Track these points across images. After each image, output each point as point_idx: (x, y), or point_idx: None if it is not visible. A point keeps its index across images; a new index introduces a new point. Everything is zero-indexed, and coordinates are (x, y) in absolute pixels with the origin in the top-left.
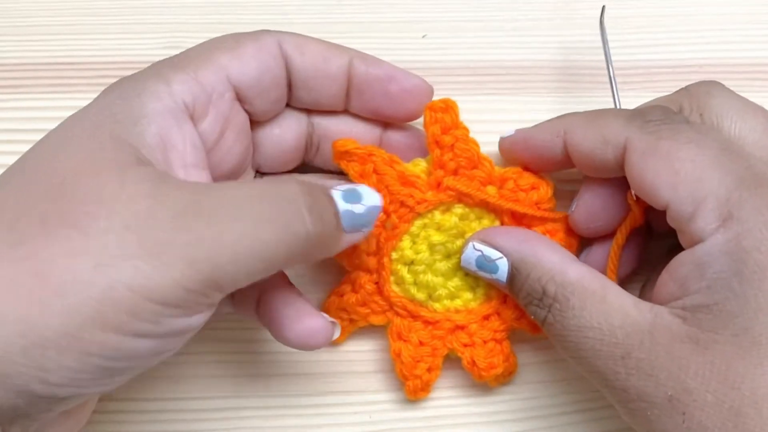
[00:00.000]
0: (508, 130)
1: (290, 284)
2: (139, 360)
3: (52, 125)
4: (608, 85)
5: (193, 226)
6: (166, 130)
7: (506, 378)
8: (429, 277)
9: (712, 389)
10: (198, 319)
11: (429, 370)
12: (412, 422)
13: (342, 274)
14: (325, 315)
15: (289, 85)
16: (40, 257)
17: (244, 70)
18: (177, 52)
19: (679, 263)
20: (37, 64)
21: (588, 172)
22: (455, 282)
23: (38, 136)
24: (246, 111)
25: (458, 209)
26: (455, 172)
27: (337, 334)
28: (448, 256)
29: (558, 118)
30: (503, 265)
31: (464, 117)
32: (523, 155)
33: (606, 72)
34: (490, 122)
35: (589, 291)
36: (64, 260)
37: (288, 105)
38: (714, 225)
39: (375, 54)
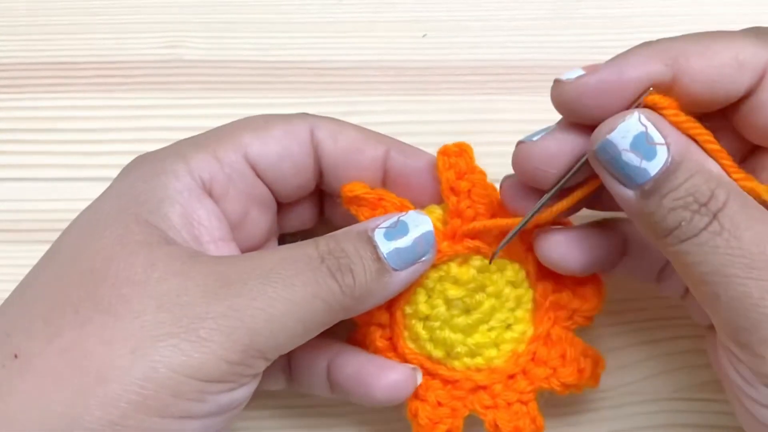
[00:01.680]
0: (570, 72)
1: (355, 347)
2: None
3: (52, 125)
4: None
5: (224, 297)
6: (189, 208)
7: None
8: (447, 334)
9: None
10: (243, 393)
11: (449, 431)
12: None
13: (350, 327)
14: (405, 364)
15: (321, 171)
16: (78, 348)
17: (263, 151)
18: (177, 51)
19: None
20: (37, 64)
21: (701, 107)
22: (476, 338)
23: (38, 136)
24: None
25: (476, 261)
26: (473, 220)
27: (419, 380)
28: (467, 311)
29: (651, 45)
30: (663, 153)
31: (464, 117)
32: (609, 102)
33: None
34: (490, 122)
35: (755, 210)
36: (101, 348)
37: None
38: None
39: (375, 54)
